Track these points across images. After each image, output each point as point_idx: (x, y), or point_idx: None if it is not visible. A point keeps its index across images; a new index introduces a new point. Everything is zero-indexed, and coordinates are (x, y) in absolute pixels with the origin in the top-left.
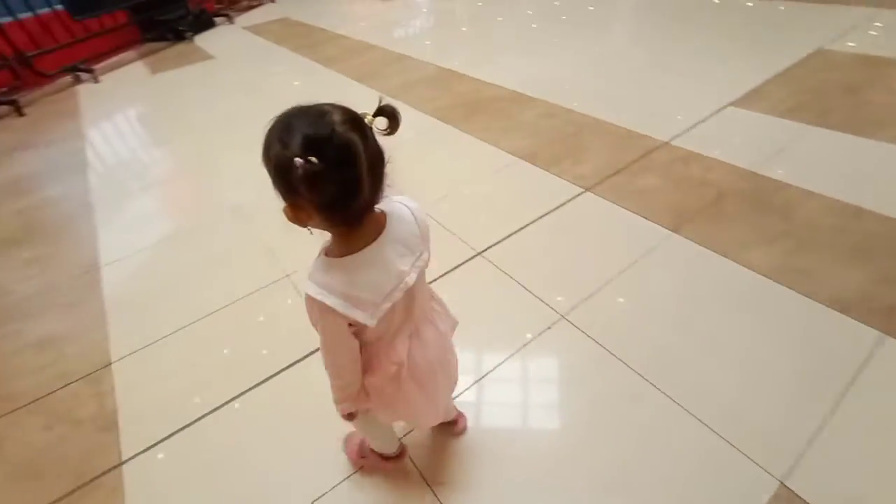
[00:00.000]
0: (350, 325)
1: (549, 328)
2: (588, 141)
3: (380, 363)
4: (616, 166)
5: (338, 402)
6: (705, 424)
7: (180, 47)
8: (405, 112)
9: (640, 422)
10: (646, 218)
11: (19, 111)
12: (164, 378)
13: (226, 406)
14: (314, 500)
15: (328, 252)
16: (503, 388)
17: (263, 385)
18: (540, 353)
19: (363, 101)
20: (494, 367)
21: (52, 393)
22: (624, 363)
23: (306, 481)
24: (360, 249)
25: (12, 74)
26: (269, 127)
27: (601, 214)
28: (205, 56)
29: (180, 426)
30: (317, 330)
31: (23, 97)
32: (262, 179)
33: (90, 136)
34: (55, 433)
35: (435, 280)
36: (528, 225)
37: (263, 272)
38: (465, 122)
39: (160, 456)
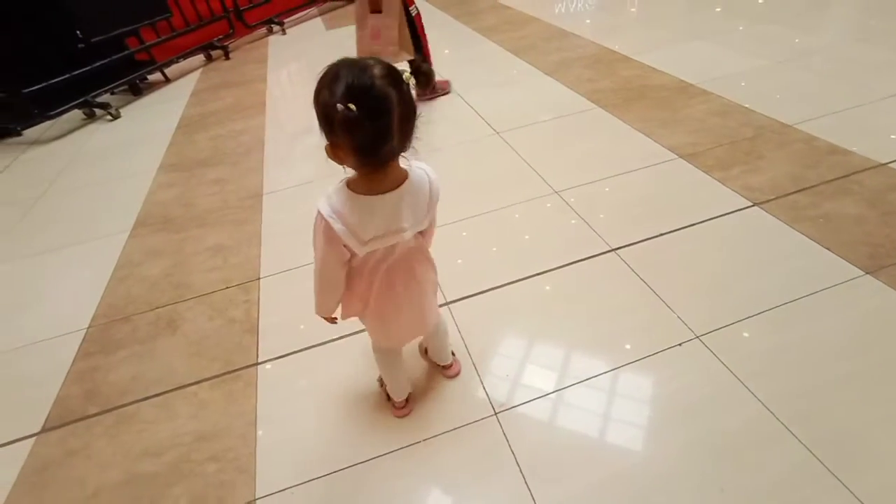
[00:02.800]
0: (345, 245)
1: (680, 345)
2: (767, 148)
3: (355, 284)
4: (801, 183)
5: (317, 307)
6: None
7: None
8: (559, 91)
9: (768, 472)
10: (829, 249)
11: (227, 55)
12: (302, 299)
13: (342, 340)
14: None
15: (349, 184)
16: (606, 398)
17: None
18: (660, 368)
19: (519, 75)
20: (603, 372)
21: (216, 291)
22: (760, 402)
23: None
24: (376, 193)
25: (228, 24)
26: (321, 74)
27: (769, 235)
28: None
29: (306, 346)
30: (314, 244)
31: (231, 44)
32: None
33: (270, 80)
34: (215, 324)
35: (559, 269)
36: (675, 230)
37: None
38: (622, 110)
39: (287, 367)
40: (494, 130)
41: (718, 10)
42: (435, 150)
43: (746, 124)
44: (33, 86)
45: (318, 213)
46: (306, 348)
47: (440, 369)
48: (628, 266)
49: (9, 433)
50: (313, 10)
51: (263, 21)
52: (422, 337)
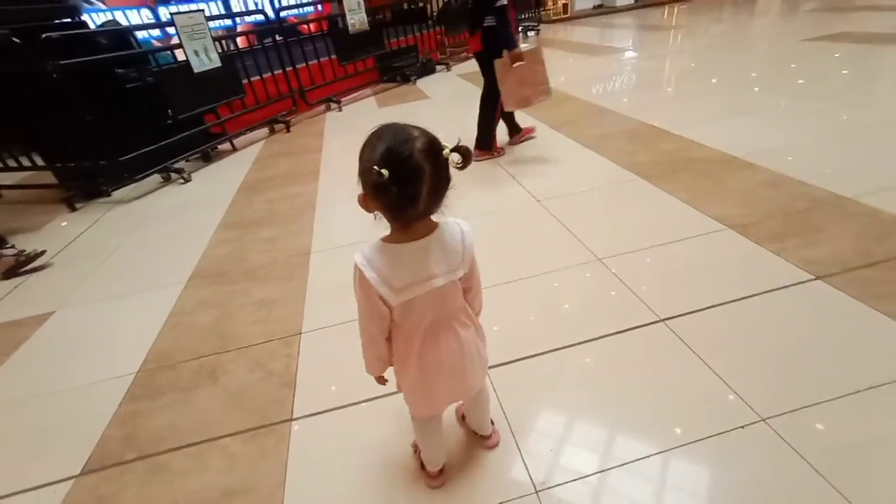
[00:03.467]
0: (381, 298)
1: (742, 428)
2: (825, 221)
3: (398, 343)
4: (870, 257)
5: (365, 364)
6: None
7: (405, 88)
8: (600, 162)
9: None
10: None
11: (288, 128)
12: (340, 356)
13: (378, 400)
14: None
15: (385, 238)
16: (656, 486)
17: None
18: (718, 453)
19: (559, 147)
20: (651, 454)
21: (258, 344)
22: (843, 497)
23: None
24: (406, 242)
25: (292, 102)
26: (372, 131)
27: (839, 312)
28: (422, 96)
29: (342, 404)
30: (355, 296)
31: (292, 119)
32: None
33: (325, 151)
34: (254, 376)
35: (602, 338)
36: (730, 302)
37: None
38: (664, 180)
39: (321, 424)
40: (535, 198)
41: (756, 89)
42: (475, 215)
43: (799, 196)
44: (127, 154)
45: (355, 264)
46: (341, 406)
47: (479, 439)
48: (679, 338)
49: (52, 473)
50: (367, 91)
51: (323, 99)
52: (461, 402)
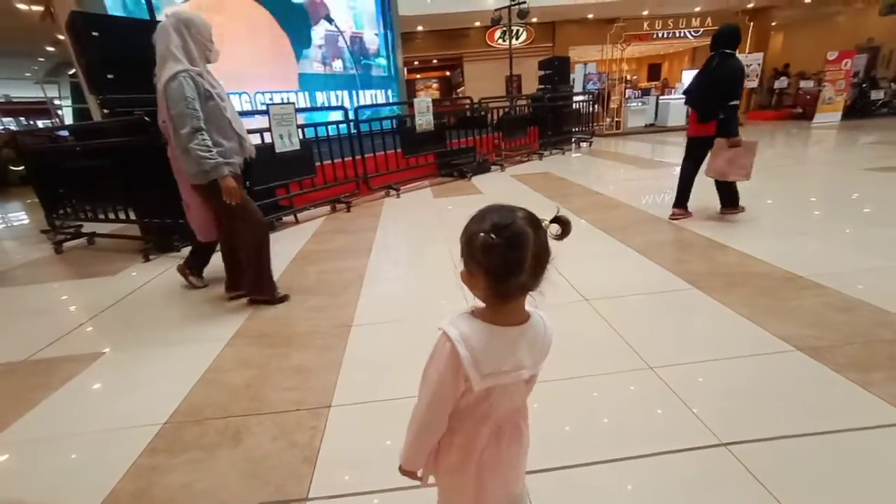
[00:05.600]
0: (464, 382)
1: None
2: None
3: (458, 431)
4: None
5: (406, 456)
6: None
7: (460, 183)
8: (652, 268)
9: None
10: None
11: (348, 208)
12: (366, 437)
13: (399, 492)
14: None
15: (475, 313)
16: None
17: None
18: None
19: (609, 250)
20: None
21: (287, 411)
22: None
23: None
24: (502, 325)
25: (355, 185)
26: (474, 214)
27: None
28: (475, 191)
29: (361, 491)
30: (427, 373)
31: (354, 200)
32: None
33: (379, 231)
34: (277, 445)
35: (652, 456)
36: (807, 435)
37: None
38: (721, 293)
39: None
40: (584, 297)
41: (817, 212)
42: None
43: (882, 325)
44: None
45: (444, 334)
46: (360, 493)
47: None
48: (745, 467)
49: None
50: (425, 182)
51: (383, 186)
52: None
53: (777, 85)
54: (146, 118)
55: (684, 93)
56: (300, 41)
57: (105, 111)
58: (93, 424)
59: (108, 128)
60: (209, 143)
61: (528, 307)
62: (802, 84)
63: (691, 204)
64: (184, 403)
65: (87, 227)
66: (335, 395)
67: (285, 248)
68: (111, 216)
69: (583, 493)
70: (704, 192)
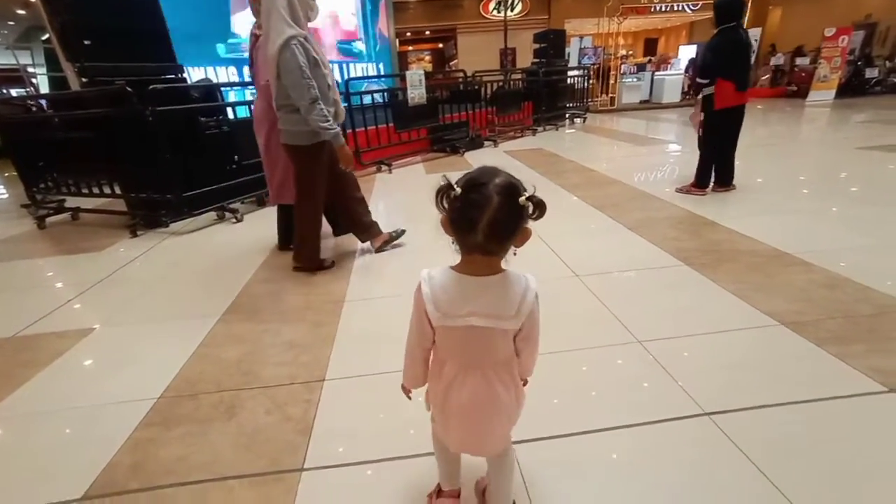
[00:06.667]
0: (427, 316)
1: None
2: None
3: (433, 365)
4: None
5: (403, 374)
6: None
7: (453, 158)
8: (643, 245)
9: None
10: None
11: None
12: (361, 409)
13: (395, 461)
14: None
15: (453, 266)
16: None
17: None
18: None
19: (600, 226)
20: None
21: (280, 385)
22: None
23: None
24: (468, 275)
25: None
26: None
27: None
28: (468, 166)
29: (356, 461)
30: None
31: None
32: None
33: (371, 207)
34: (271, 418)
35: (638, 426)
36: (787, 404)
37: None
38: (711, 269)
39: (332, 479)
40: (574, 273)
41: (807, 191)
42: None
43: (863, 300)
44: (192, 191)
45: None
46: (356, 463)
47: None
48: (727, 437)
49: (54, 494)
50: (417, 158)
51: (375, 161)
52: (483, 476)
53: (773, 62)
54: (128, 88)
55: (701, 67)
56: None
57: (83, 80)
58: (86, 399)
59: (88, 98)
60: (326, 112)
61: (514, 269)
62: (799, 61)
63: (676, 182)
64: (177, 378)
65: (71, 202)
66: (329, 369)
67: (275, 223)
68: (95, 191)
69: (570, 462)
70: (690, 169)
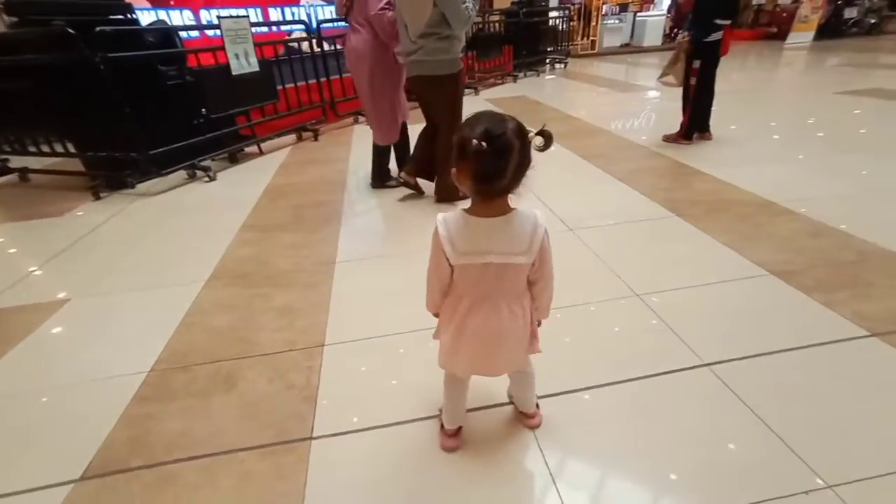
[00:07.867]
0: (445, 255)
1: (807, 493)
2: (876, 275)
3: (449, 301)
4: None
5: (426, 303)
6: None
7: None
8: (634, 196)
9: None
10: None
11: (316, 137)
12: (365, 374)
13: (406, 425)
14: None
15: (466, 209)
16: None
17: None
18: None
19: (590, 178)
20: None
21: (279, 353)
22: None
23: None
24: (482, 217)
25: (322, 111)
26: (470, 115)
27: None
28: None
29: (365, 426)
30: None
31: (321, 128)
32: None
33: (352, 162)
34: (274, 387)
35: (639, 379)
36: (779, 352)
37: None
38: (701, 220)
39: (342, 446)
40: (568, 227)
41: (789, 138)
42: None
43: (846, 248)
44: (157, 148)
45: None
46: (364, 429)
47: (522, 417)
48: (727, 386)
49: (51, 475)
50: None
51: (352, 112)
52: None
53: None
54: (70, 30)
55: (713, 10)
56: None
57: (11, 19)
58: (67, 376)
59: (24, 41)
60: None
61: (524, 207)
62: (780, 0)
63: (659, 130)
64: (166, 350)
65: (17, 163)
66: (327, 333)
67: (251, 181)
68: (46, 149)
69: (572, 416)
70: (672, 117)
